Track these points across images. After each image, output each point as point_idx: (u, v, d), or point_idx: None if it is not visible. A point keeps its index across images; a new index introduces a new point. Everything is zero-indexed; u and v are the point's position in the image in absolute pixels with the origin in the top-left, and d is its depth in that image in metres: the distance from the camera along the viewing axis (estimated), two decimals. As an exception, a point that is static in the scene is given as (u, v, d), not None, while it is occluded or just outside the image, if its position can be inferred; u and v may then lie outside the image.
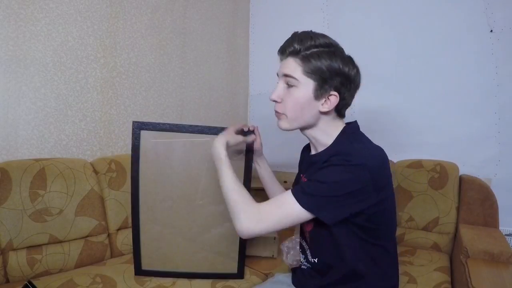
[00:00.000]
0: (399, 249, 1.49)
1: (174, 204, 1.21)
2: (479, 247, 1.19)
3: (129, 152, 1.16)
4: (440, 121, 1.73)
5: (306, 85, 0.80)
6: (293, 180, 1.04)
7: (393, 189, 0.85)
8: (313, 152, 0.93)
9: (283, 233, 1.40)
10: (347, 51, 0.84)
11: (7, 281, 1.16)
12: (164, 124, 1.15)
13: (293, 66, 0.81)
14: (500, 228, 1.47)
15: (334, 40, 0.83)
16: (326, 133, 0.86)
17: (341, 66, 0.79)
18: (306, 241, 0.93)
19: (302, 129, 0.88)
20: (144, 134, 1.15)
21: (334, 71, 0.79)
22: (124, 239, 1.45)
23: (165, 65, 1.91)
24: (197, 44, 2.09)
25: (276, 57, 0.88)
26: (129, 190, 1.18)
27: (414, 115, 1.79)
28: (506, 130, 1.58)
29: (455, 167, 1.58)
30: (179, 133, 1.15)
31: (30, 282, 1.05)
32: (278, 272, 1.18)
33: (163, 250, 1.23)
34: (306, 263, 0.94)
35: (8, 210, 1.16)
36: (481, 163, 1.63)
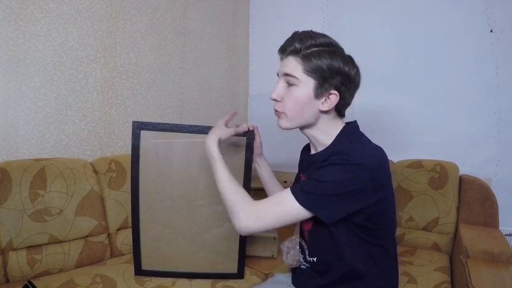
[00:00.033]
0: (399, 249, 1.49)
1: (174, 204, 1.21)
2: (479, 247, 1.19)
3: (129, 152, 1.16)
4: (440, 121, 1.73)
5: (307, 84, 0.81)
6: (293, 180, 1.04)
7: (393, 189, 0.85)
8: (312, 151, 0.93)
9: (283, 233, 1.40)
10: (347, 51, 0.84)
11: (7, 281, 1.16)
12: (164, 124, 1.15)
13: (294, 65, 0.81)
14: (500, 228, 1.47)
15: (334, 40, 0.83)
16: (326, 133, 0.86)
17: (341, 66, 0.80)
18: (305, 241, 0.93)
19: (302, 128, 0.88)
20: (144, 134, 1.15)
21: (334, 70, 0.79)
22: (124, 239, 1.45)
23: (165, 65, 1.91)
24: (197, 44, 2.09)
25: (276, 57, 0.88)
26: (129, 190, 1.18)
27: (414, 115, 1.79)
28: (506, 130, 1.58)
29: (455, 167, 1.58)
30: (179, 133, 1.15)
31: (30, 282, 1.05)
32: (278, 272, 1.18)
33: (163, 250, 1.23)
34: (305, 263, 0.94)
35: (8, 210, 1.16)
36: (481, 163, 1.63)
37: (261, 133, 1.12)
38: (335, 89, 0.81)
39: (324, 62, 0.79)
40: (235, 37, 2.35)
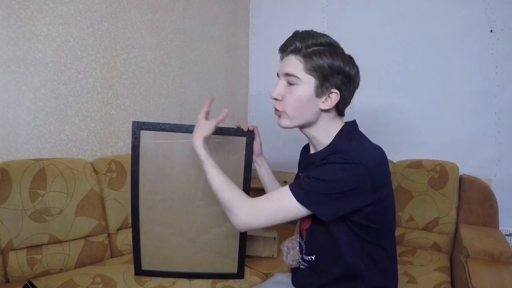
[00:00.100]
0: (399, 249, 1.49)
1: (174, 204, 1.21)
2: (479, 247, 1.19)
3: (129, 152, 1.16)
4: (440, 121, 1.73)
5: (308, 83, 0.81)
6: (292, 180, 1.04)
7: (393, 188, 0.85)
8: (312, 151, 0.93)
9: (283, 233, 1.40)
10: (347, 51, 0.84)
11: (7, 281, 1.16)
12: (164, 124, 1.15)
13: (295, 64, 0.81)
14: (500, 228, 1.47)
15: (334, 40, 0.84)
16: (326, 132, 0.86)
17: (342, 65, 0.80)
18: (303, 240, 0.93)
19: (302, 127, 0.88)
20: (144, 134, 1.15)
21: (335, 69, 0.80)
22: (124, 239, 1.45)
23: (165, 65, 1.91)
24: (197, 44, 2.09)
25: (276, 57, 0.88)
26: (129, 190, 1.18)
27: (414, 115, 1.79)
28: (506, 130, 1.58)
29: (455, 167, 1.58)
30: (179, 133, 1.15)
31: (30, 282, 1.05)
32: (278, 272, 1.17)
33: (163, 250, 1.23)
34: (303, 262, 0.94)
35: (8, 210, 1.16)
36: (481, 163, 1.63)
37: (261, 133, 1.13)
38: (336, 88, 0.81)
39: (325, 61, 0.79)
40: (235, 37, 2.35)
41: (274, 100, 0.87)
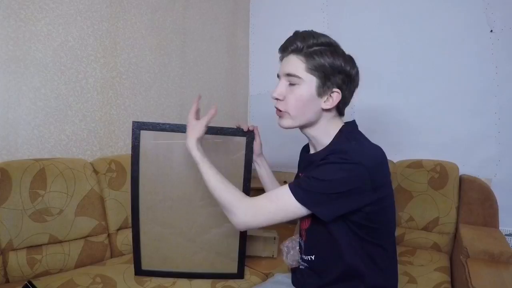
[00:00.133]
0: (399, 249, 1.49)
1: (174, 204, 1.21)
2: (479, 247, 1.19)
3: (129, 152, 1.16)
4: (440, 121, 1.73)
5: (309, 82, 0.81)
6: (292, 180, 1.04)
7: (392, 188, 0.85)
8: (312, 151, 0.93)
9: (283, 233, 1.40)
10: (347, 51, 0.85)
11: (7, 281, 1.16)
12: (164, 124, 1.15)
13: (296, 64, 0.82)
14: (500, 228, 1.47)
15: (334, 40, 0.84)
16: (326, 132, 0.87)
17: (343, 64, 0.81)
18: (303, 239, 0.93)
19: (303, 127, 0.88)
20: (144, 134, 1.15)
21: (336, 68, 0.80)
22: (124, 239, 1.45)
23: (165, 65, 1.91)
24: (197, 44, 2.09)
25: (276, 57, 0.88)
26: (129, 190, 1.18)
27: (414, 115, 1.79)
28: (506, 130, 1.58)
29: (455, 167, 1.58)
30: (179, 133, 1.15)
31: (30, 282, 1.05)
32: (278, 272, 1.17)
33: (163, 250, 1.23)
34: (302, 262, 0.94)
35: (8, 210, 1.16)
36: (481, 163, 1.63)
37: (261, 133, 1.13)
38: (337, 88, 0.82)
39: (326, 60, 0.80)
40: (235, 37, 2.35)
41: (275, 100, 0.87)
